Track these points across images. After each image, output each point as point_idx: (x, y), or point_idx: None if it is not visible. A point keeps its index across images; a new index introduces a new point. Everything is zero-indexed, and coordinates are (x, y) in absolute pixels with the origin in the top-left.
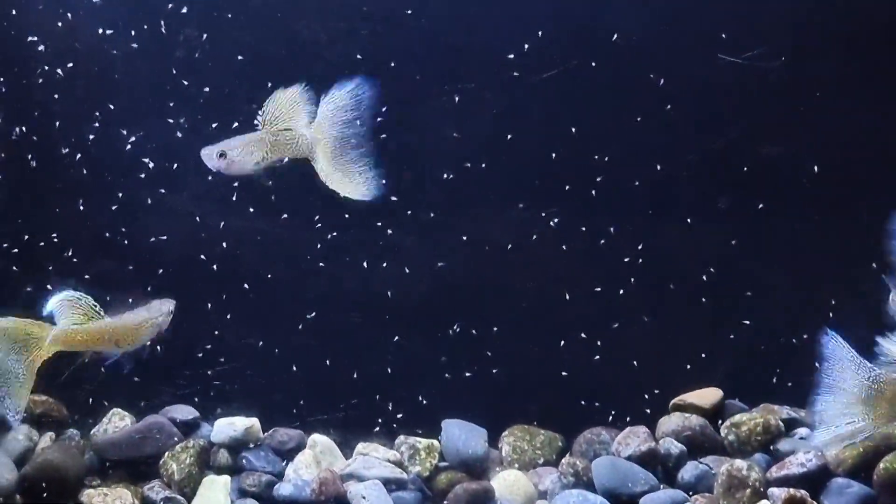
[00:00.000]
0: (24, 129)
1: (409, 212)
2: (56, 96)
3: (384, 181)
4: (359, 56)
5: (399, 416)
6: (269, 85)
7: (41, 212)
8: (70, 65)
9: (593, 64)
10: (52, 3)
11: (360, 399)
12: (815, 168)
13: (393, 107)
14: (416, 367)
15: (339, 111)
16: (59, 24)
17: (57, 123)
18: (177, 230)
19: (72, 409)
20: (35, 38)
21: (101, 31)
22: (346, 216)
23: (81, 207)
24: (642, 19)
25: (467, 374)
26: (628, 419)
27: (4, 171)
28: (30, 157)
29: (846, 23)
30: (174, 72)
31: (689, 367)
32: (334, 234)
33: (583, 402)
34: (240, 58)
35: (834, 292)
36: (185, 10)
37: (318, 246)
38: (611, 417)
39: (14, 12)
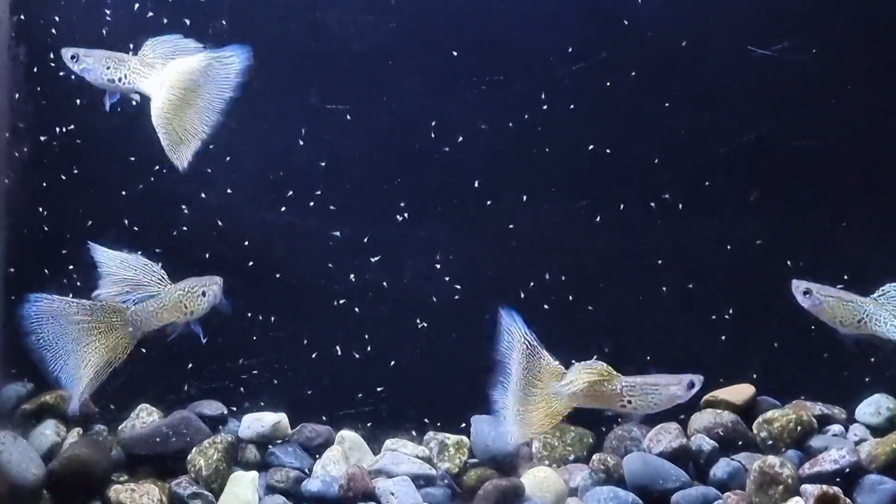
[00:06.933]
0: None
1: (438, 207)
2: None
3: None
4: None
5: (428, 411)
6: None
7: (66, 202)
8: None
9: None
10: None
11: (389, 394)
12: (850, 163)
13: (421, 99)
14: (446, 363)
15: (186, 72)
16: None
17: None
18: (204, 223)
19: (99, 404)
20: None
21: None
22: (376, 209)
23: (109, 198)
24: (672, 11)
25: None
26: (660, 415)
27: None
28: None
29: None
30: None
31: (721, 363)
32: (363, 227)
33: None
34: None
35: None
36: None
37: (347, 240)
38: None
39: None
